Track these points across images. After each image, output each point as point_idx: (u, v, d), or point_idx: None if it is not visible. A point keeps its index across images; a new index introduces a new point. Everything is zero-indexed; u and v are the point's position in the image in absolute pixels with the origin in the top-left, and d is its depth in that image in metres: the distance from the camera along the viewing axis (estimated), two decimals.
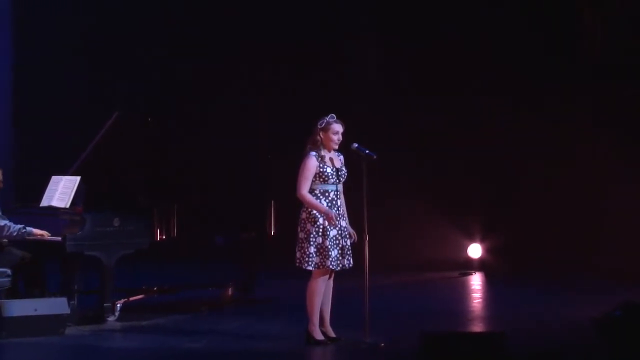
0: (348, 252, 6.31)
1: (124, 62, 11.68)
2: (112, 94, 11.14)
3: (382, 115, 11.28)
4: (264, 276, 8.89)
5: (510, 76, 10.95)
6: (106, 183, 7.60)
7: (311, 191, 6.22)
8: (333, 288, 6.41)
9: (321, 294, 6.29)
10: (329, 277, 6.34)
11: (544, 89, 10.95)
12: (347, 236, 6.33)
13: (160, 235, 7.52)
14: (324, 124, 6.26)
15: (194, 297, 8.43)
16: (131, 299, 7.70)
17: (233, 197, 8.21)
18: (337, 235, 6.25)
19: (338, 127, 6.28)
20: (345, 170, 6.35)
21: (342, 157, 6.40)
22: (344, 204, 6.39)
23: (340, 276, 6.47)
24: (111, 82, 11.52)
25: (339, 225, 6.27)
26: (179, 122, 9.92)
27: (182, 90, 11.64)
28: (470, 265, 10.98)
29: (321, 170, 6.22)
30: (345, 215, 6.37)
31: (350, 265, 6.32)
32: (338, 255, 6.23)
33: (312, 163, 6.20)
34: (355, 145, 6.32)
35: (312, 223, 6.20)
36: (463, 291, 9.67)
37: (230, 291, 8.41)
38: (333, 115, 6.29)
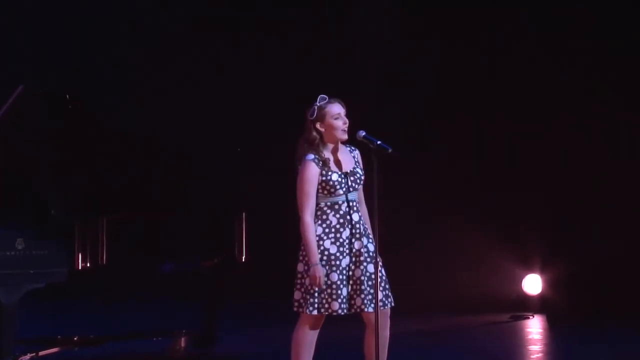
0: (381, 284, 6.22)
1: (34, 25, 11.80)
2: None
3: (413, 113, 11.48)
4: (232, 321, 8.85)
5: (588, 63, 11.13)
6: (5, 188, 7.45)
7: (317, 205, 6.23)
8: (388, 336, 6.31)
9: (310, 347, 6.29)
10: (378, 324, 6.13)
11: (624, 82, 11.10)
12: (369, 261, 6.24)
13: (83, 262, 7.49)
14: (315, 113, 6.24)
15: (132, 351, 8.43)
16: (41, 353, 7.66)
17: (188, 208, 8.18)
18: (351, 265, 6.24)
19: (337, 108, 6.25)
20: (361, 173, 6.36)
21: (357, 153, 6.42)
22: (365, 216, 6.37)
23: (344, 321, 6.41)
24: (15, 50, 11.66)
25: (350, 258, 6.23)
26: (113, 104, 10.23)
27: (120, 63, 11.81)
28: (526, 305, 10.99)
29: (325, 178, 6.23)
30: (370, 231, 6.36)
31: (392, 304, 6.28)
32: (352, 294, 6.20)
33: (311, 171, 6.21)
34: (363, 133, 6.27)
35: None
36: (516, 341, 9.68)
37: (182, 342, 8.37)
38: (323, 96, 6.28)
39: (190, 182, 8.32)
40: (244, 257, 8.21)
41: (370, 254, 6.23)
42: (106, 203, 7.78)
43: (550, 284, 11.21)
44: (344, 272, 6.18)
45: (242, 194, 8.37)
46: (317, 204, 6.22)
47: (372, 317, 6.15)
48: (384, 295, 6.21)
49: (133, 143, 8.20)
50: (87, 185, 7.81)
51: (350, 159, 6.34)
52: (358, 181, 6.31)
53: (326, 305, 6.14)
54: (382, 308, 6.18)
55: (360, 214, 6.30)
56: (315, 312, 6.15)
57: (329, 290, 6.14)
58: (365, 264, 6.21)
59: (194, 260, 8.24)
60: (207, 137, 10.51)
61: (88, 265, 7.48)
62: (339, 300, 6.14)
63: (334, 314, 6.16)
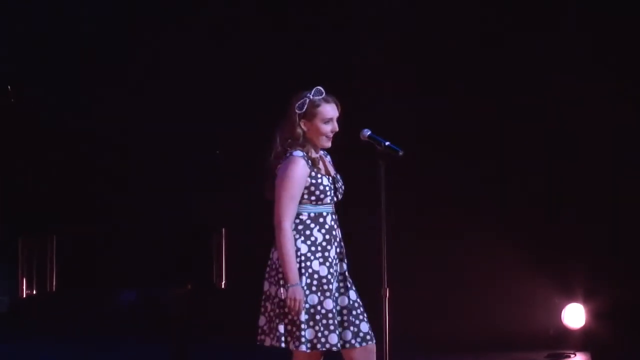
0: (359, 315, 6.22)
1: None
2: None
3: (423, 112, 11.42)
4: (208, 358, 8.90)
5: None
6: None
7: (296, 217, 6.21)
8: None
9: None
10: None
11: None
12: (349, 286, 6.24)
13: (28, 289, 7.61)
14: (306, 107, 6.24)
15: None
16: None
17: (154, 222, 8.22)
18: (341, 288, 6.24)
19: (331, 111, 6.25)
20: (342, 181, 6.39)
21: (329, 157, 6.44)
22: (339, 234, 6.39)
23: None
24: None
25: (336, 277, 6.24)
26: (65, 96, 10.03)
27: (73, 46, 11.69)
28: (566, 341, 10.89)
29: (315, 182, 6.23)
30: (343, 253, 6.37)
31: (373, 340, 6.26)
32: (344, 323, 6.20)
33: (301, 170, 6.20)
34: (368, 132, 6.36)
35: (302, 269, 6.14)
36: None
37: None
38: (319, 88, 6.27)
39: (160, 193, 8.29)
40: (223, 282, 8.15)
41: (348, 278, 6.23)
42: (55, 216, 7.98)
43: (595, 315, 11.08)
44: (336, 296, 6.15)
45: (221, 208, 8.32)
46: (300, 215, 6.17)
47: (359, 355, 6.14)
48: (370, 327, 6.16)
49: (88, 144, 8.23)
50: (32, 194, 7.80)
51: (329, 164, 6.37)
52: (341, 190, 6.33)
53: (322, 340, 6.08)
54: (370, 343, 6.17)
55: (338, 230, 6.30)
56: (304, 349, 6.07)
57: (324, 321, 6.07)
58: (351, 290, 6.20)
59: (162, 287, 8.23)
60: (184, 139, 10.47)
61: (34, 292, 7.64)
62: (337, 332, 6.09)
63: (334, 349, 6.08)
